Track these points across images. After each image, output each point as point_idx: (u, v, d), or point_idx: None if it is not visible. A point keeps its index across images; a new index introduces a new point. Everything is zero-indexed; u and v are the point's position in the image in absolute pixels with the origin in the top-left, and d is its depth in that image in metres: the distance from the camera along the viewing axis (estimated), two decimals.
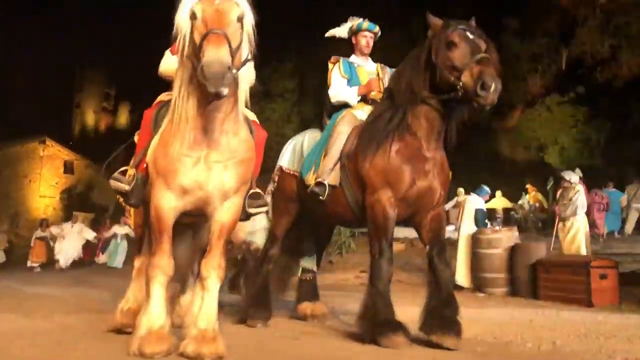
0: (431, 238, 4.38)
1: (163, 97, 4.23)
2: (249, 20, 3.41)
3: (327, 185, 4.53)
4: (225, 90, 3.05)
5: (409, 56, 4.47)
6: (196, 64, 3.14)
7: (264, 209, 4.17)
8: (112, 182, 3.93)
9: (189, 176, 3.45)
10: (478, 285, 8.97)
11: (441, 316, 4.10)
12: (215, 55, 2.99)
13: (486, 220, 10.38)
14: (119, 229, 17.39)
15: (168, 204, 3.51)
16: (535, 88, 23.78)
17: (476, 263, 9.09)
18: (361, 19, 5.19)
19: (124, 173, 3.93)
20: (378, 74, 5.18)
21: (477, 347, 4.11)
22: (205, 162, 3.46)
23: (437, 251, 4.28)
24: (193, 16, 3.25)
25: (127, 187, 3.85)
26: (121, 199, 4.16)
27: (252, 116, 4.12)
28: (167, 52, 4.58)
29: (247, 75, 3.63)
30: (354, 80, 5.07)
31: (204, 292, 3.51)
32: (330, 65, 5.19)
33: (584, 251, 9.12)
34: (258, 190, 3.99)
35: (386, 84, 4.98)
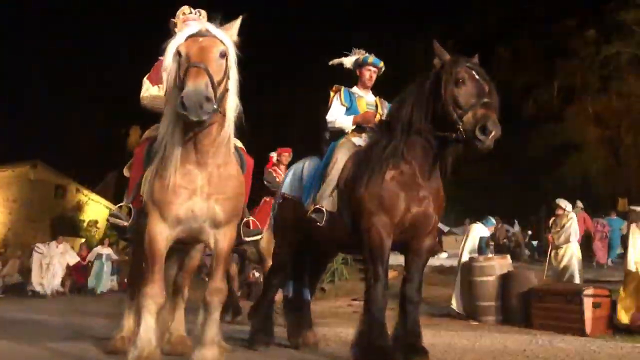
0: (413, 271, 4.44)
1: (150, 132, 4.41)
2: (233, 56, 3.59)
3: (325, 211, 4.55)
4: (204, 117, 3.23)
5: (414, 84, 4.53)
6: (180, 93, 3.28)
7: (258, 237, 4.45)
8: (111, 219, 4.12)
9: (184, 207, 3.65)
10: (471, 313, 8.90)
11: (407, 345, 4.24)
12: (193, 86, 3.19)
13: (488, 250, 10.35)
14: (103, 250, 16.72)
15: (162, 234, 3.70)
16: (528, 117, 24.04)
17: (470, 291, 9.03)
18: (367, 53, 5.30)
19: (121, 209, 4.13)
20: (377, 107, 5.28)
21: None
22: (200, 193, 3.67)
23: (415, 287, 4.37)
24: (178, 54, 3.47)
25: (125, 223, 4.03)
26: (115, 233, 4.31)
27: (239, 143, 4.32)
28: (146, 81, 4.68)
29: (236, 101, 3.74)
30: (353, 109, 5.16)
31: (206, 314, 3.78)
32: (331, 93, 5.29)
33: (577, 279, 9.09)
34: (252, 218, 4.27)
35: (384, 117, 5.08)
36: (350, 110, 5.14)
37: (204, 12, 4.78)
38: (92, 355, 4.53)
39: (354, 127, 5.10)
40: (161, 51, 3.71)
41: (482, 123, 3.87)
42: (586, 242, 13.89)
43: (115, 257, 16.95)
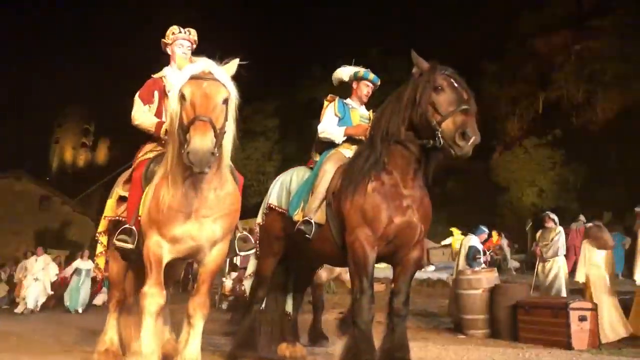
0: (401, 283, 4.43)
1: (148, 150, 4.60)
2: (234, 99, 3.80)
3: (313, 223, 4.52)
4: (207, 170, 3.49)
5: (393, 94, 4.54)
6: (184, 142, 3.51)
7: (252, 251, 4.65)
8: (117, 243, 4.21)
9: (181, 229, 3.85)
10: (459, 326, 8.89)
11: (395, 357, 4.23)
12: (200, 143, 3.38)
13: (480, 259, 10.27)
14: (82, 264, 14.77)
15: (161, 248, 3.89)
16: (513, 131, 24.25)
17: (457, 304, 9.03)
18: (366, 69, 5.31)
19: (124, 231, 4.20)
20: (370, 120, 5.26)
21: None
22: (195, 216, 3.84)
23: (402, 300, 4.36)
24: (182, 97, 3.63)
25: (131, 246, 4.13)
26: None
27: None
28: (138, 100, 4.74)
29: (233, 140, 3.95)
30: (346, 120, 5.15)
31: (190, 328, 3.89)
32: (325, 103, 5.30)
33: (564, 293, 9.12)
34: (246, 233, 4.41)
35: None
36: (343, 120, 5.13)
37: (193, 31, 4.86)
38: None
39: (345, 138, 5.08)
40: (154, 69, 3.85)
41: (462, 129, 3.88)
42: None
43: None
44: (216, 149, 3.51)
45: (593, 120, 21.61)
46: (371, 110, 5.38)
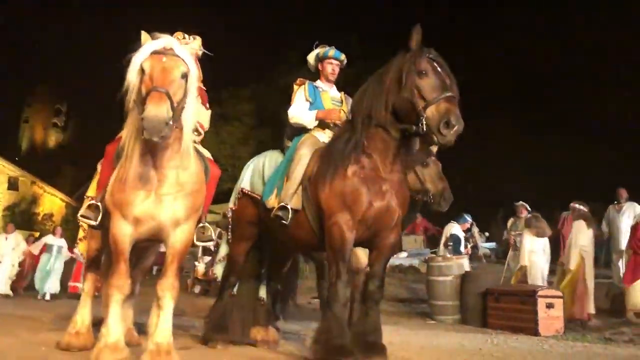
0: (376, 268, 4.46)
1: (123, 132, 4.55)
2: (194, 75, 3.86)
3: (290, 210, 4.49)
4: (157, 139, 3.51)
5: (374, 75, 4.49)
6: (140, 113, 3.54)
7: (211, 243, 4.58)
8: (82, 219, 4.29)
9: (141, 208, 3.83)
10: (429, 312, 9.03)
11: (366, 342, 4.26)
12: (154, 111, 3.44)
13: (461, 248, 10.53)
14: (53, 240, 13.32)
15: (124, 232, 3.89)
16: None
17: (428, 290, 9.16)
18: (328, 47, 5.23)
19: (90, 207, 4.24)
20: (342, 102, 5.24)
21: None
22: (155, 195, 3.84)
23: (377, 285, 4.39)
24: (142, 71, 3.68)
25: (94, 223, 4.21)
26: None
27: (207, 154, 4.58)
28: None
29: (193, 115, 4.04)
30: (317, 104, 5.09)
31: (159, 310, 3.85)
32: (295, 87, 5.23)
33: (539, 281, 9.30)
34: (207, 224, 4.39)
35: (348, 113, 5.03)
36: (314, 105, 5.08)
37: (198, 38, 4.80)
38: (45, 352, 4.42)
39: (317, 123, 5.05)
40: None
41: (446, 118, 3.87)
42: None
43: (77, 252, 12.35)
44: (173, 121, 3.57)
45: (564, 111, 21.99)
46: (342, 92, 5.35)
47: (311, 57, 5.34)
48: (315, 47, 5.31)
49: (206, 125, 5.03)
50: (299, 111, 5.05)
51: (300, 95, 5.14)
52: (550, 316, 7.37)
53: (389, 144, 4.31)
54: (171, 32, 4.60)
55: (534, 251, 9.17)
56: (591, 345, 6.21)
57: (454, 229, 10.44)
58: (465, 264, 9.22)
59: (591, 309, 8.46)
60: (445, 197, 5.77)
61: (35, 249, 13.50)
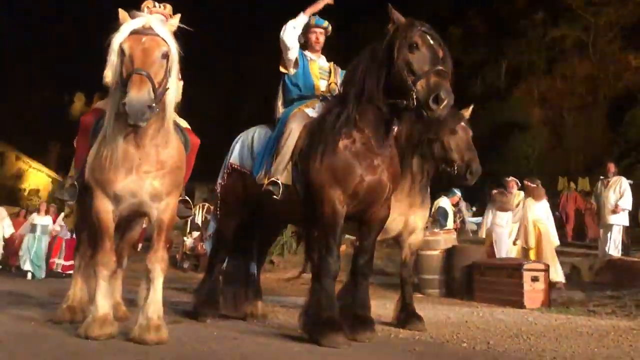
0: (365, 242, 4.50)
1: (101, 104, 4.60)
2: (174, 54, 3.82)
3: (280, 184, 4.48)
4: (142, 124, 3.53)
5: (366, 49, 4.44)
6: (122, 96, 3.54)
7: (189, 217, 4.52)
8: (59, 195, 4.45)
9: (122, 186, 3.87)
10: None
11: (355, 315, 4.34)
12: (136, 95, 3.44)
13: (449, 222, 10.68)
14: (39, 219, 12.49)
15: (106, 208, 3.95)
16: (475, 95, 24.49)
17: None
18: (309, 16, 5.05)
19: (66, 187, 4.32)
20: (330, 72, 5.16)
21: (415, 346, 4.17)
22: (136, 172, 3.87)
23: (366, 260, 4.46)
24: (122, 52, 3.67)
25: (71, 202, 4.39)
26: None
27: (185, 124, 4.56)
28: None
29: (175, 95, 4.04)
30: (305, 72, 5.01)
31: (149, 284, 3.90)
32: None
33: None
34: (186, 198, 4.49)
35: (337, 83, 5.04)
36: (303, 70, 4.99)
37: (169, 6, 4.70)
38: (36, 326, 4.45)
39: (309, 97, 4.95)
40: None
41: (436, 92, 3.85)
42: (578, 219, 14.94)
43: (57, 228, 12.60)
44: (155, 104, 3.56)
45: (552, 86, 22.02)
46: (332, 62, 5.27)
47: (294, 34, 5.05)
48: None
49: (178, 98, 4.90)
50: (289, 31, 4.90)
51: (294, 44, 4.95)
52: (536, 289, 7.49)
53: (380, 119, 4.30)
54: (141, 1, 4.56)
55: (499, 225, 9.65)
56: (575, 317, 6.32)
57: (442, 202, 10.50)
58: (452, 238, 9.32)
59: (560, 277, 8.91)
60: (472, 169, 5.23)
61: (24, 229, 12.65)
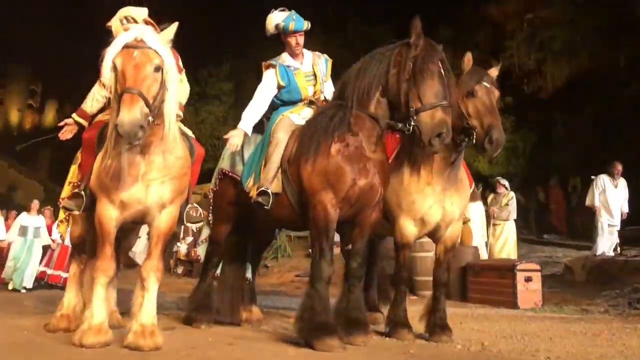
0: (358, 245, 4.50)
1: (101, 117, 4.62)
2: (169, 65, 3.78)
3: (270, 194, 4.48)
4: (136, 141, 3.55)
5: (375, 56, 4.36)
6: (115, 117, 3.55)
7: (200, 224, 4.73)
8: (65, 206, 4.37)
9: (128, 193, 3.87)
10: (410, 287, 9.14)
11: (349, 318, 4.34)
12: (127, 116, 3.43)
13: None
14: (28, 219, 10.70)
15: (110, 215, 3.94)
16: None
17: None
18: (288, 15, 4.89)
19: (74, 196, 4.29)
20: (315, 76, 5.01)
21: (410, 348, 4.18)
22: (142, 180, 3.88)
23: (359, 263, 4.46)
24: (114, 68, 3.66)
25: (77, 212, 4.30)
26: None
27: (190, 133, 4.56)
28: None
29: (175, 103, 4.02)
30: (292, 86, 4.92)
31: (144, 291, 3.91)
32: (264, 69, 5.01)
33: (514, 255, 9.49)
34: (196, 205, 4.49)
35: (322, 86, 4.98)
36: (289, 88, 4.91)
37: (145, 11, 4.64)
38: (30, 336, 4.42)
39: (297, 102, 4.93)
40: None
41: (439, 130, 3.86)
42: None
43: (55, 237, 10.58)
44: (152, 116, 3.58)
45: (543, 88, 22.10)
46: (314, 56, 5.09)
47: (270, 25, 4.98)
48: (274, 11, 4.98)
49: (184, 98, 4.89)
50: (251, 108, 4.92)
51: (269, 78, 4.93)
52: (529, 289, 7.54)
53: (375, 124, 4.31)
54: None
55: (471, 220, 9.49)
56: (568, 317, 6.37)
57: None
58: None
59: None
60: (491, 136, 4.26)
61: (12, 235, 10.81)
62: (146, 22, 4.37)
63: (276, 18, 4.93)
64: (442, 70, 4.05)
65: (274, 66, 4.95)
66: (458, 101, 4.42)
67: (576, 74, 20.16)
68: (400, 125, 4.11)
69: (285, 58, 5.02)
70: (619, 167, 10.13)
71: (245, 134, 4.84)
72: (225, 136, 4.90)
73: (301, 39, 4.97)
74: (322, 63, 5.10)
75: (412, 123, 3.98)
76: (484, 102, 4.43)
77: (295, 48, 4.97)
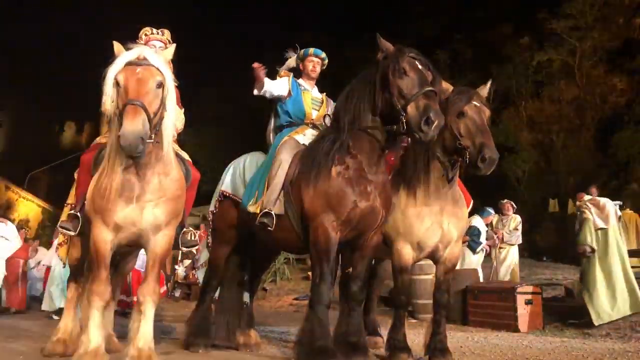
0: (359, 268, 4.48)
1: (101, 139, 4.67)
2: (170, 84, 3.84)
3: (274, 215, 4.46)
4: (137, 155, 3.56)
5: (359, 77, 4.53)
6: (120, 127, 3.54)
7: (196, 247, 4.67)
8: (61, 230, 4.44)
9: (122, 215, 3.83)
10: (410, 311, 9.07)
11: (349, 342, 4.30)
12: (130, 126, 3.44)
13: (481, 241, 9.79)
14: (48, 258, 9.74)
15: (105, 238, 3.90)
16: None
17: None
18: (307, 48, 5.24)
19: (70, 217, 4.31)
20: (323, 102, 5.24)
21: None
22: (137, 202, 3.84)
23: (359, 286, 4.44)
24: (117, 83, 3.69)
25: (73, 233, 4.32)
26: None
27: (186, 156, 4.58)
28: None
29: (173, 123, 4.02)
30: (298, 100, 5.06)
31: (140, 315, 3.85)
32: (278, 76, 5.20)
33: (516, 278, 9.43)
34: (191, 229, 4.46)
35: (328, 109, 5.14)
36: (294, 99, 5.06)
37: (167, 32, 4.85)
38: None
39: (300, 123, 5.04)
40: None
41: (426, 115, 3.88)
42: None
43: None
44: (152, 134, 3.59)
45: (540, 110, 22.24)
46: (324, 94, 5.35)
47: (291, 60, 5.33)
48: (293, 52, 5.33)
49: (180, 126, 4.96)
50: (272, 84, 5.05)
51: (282, 80, 5.14)
52: (530, 312, 7.47)
53: (374, 145, 4.33)
54: (140, 28, 4.63)
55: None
56: (569, 340, 6.31)
57: (475, 221, 9.69)
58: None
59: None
60: (484, 155, 4.22)
61: (48, 260, 9.83)
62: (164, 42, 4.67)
63: (297, 51, 5.28)
64: (416, 64, 4.12)
65: (288, 75, 5.20)
66: (449, 122, 4.37)
67: (575, 96, 20.27)
68: (395, 127, 4.13)
69: (299, 81, 5.24)
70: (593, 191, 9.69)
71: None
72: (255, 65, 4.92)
73: (318, 67, 5.28)
74: (331, 104, 5.24)
75: (403, 121, 4.00)
76: (475, 121, 4.42)
77: (311, 72, 5.24)
